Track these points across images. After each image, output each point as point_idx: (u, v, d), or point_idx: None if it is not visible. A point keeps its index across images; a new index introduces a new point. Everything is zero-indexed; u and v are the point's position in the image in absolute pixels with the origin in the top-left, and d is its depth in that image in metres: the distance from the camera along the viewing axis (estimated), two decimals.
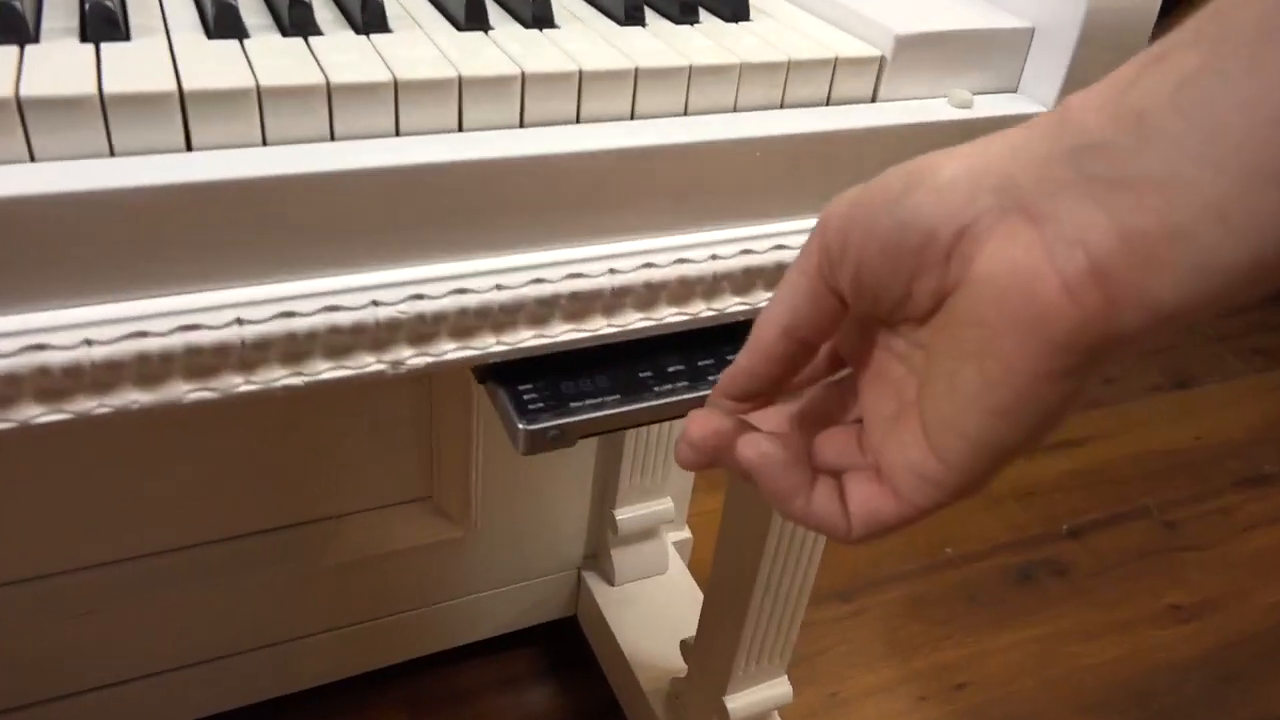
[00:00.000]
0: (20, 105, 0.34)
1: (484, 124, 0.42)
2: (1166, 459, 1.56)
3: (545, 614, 1.13)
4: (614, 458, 1.03)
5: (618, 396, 0.47)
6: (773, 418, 0.35)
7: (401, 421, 0.91)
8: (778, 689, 0.91)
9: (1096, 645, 1.24)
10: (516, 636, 1.12)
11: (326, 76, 0.39)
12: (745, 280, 0.47)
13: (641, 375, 0.48)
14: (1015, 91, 0.53)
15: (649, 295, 0.45)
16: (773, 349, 0.32)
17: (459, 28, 0.46)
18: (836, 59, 0.48)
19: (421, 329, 0.41)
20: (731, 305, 0.48)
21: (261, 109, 0.38)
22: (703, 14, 0.52)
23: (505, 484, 0.98)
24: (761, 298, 0.48)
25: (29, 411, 0.35)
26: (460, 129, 0.42)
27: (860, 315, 0.31)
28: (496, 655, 1.12)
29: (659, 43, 0.46)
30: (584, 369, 0.47)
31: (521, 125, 0.43)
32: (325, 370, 0.40)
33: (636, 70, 0.44)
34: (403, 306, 0.40)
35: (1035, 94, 0.52)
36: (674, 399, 0.48)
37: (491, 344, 0.43)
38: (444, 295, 0.41)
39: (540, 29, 0.47)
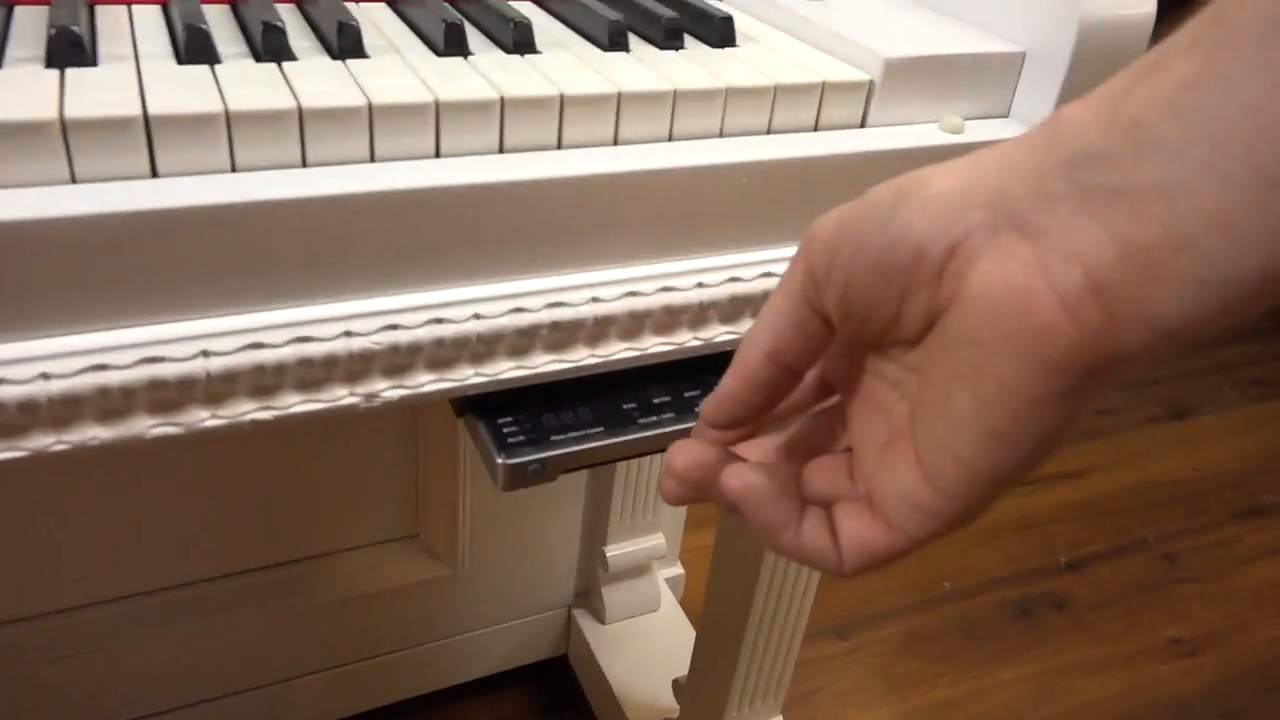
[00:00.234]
0: None
1: (462, 150, 0.41)
2: (1165, 490, 1.55)
3: (536, 653, 1.12)
4: (604, 492, 1.01)
5: (601, 429, 0.46)
6: (759, 448, 0.34)
7: (387, 457, 0.90)
8: None
9: (1097, 680, 1.22)
10: (507, 676, 1.10)
11: (299, 101, 0.38)
12: (732, 309, 0.46)
13: (626, 407, 0.47)
14: (1007, 116, 0.52)
15: (633, 324, 0.44)
16: (756, 375, 0.31)
17: (438, 53, 0.45)
18: (824, 84, 0.47)
19: (396, 360, 0.40)
20: (719, 334, 0.46)
21: (230, 134, 0.37)
22: (688, 40, 0.51)
23: (494, 521, 0.97)
24: (749, 327, 0.47)
25: None
26: (438, 155, 0.41)
27: (849, 339, 0.30)
28: (487, 695, 1.10)
29: (643, 68, 0.46)
30: (566, 401, 0.46)
31: (501, 151, 0.42)
32: (296, 404, 0.39)
33: (619, 95, 0.43)
34: (377, 337, 0.39)
35: (1027, 118, 0.52)
36: (659, 431, 0.47)
37: (470, 375, 0.42)
38: (420, 325, 0.40)
39: (521, 54, 0.46)
